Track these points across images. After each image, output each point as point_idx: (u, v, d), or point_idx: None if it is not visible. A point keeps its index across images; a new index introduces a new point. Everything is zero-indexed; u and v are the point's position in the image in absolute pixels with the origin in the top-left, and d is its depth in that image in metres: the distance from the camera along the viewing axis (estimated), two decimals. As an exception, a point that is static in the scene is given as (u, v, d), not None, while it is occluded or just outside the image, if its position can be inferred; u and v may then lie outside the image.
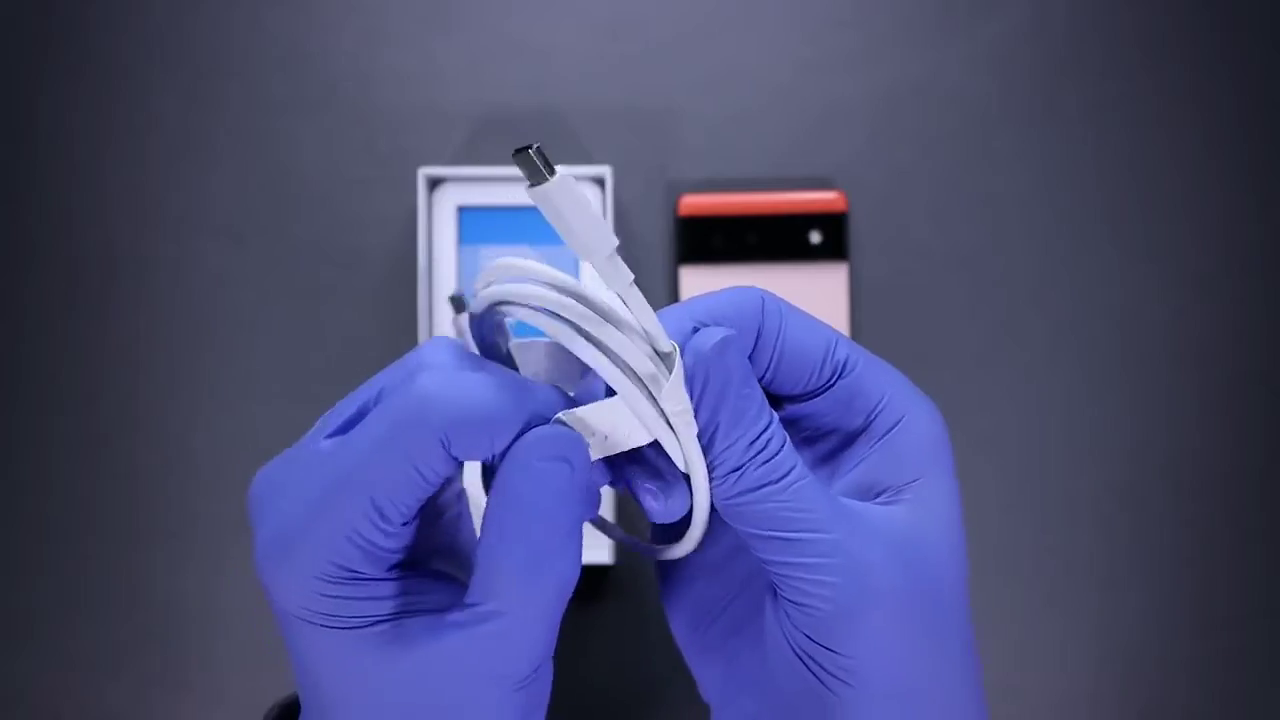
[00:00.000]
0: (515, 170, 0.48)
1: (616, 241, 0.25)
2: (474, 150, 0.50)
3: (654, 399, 0.25)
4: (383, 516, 0.24)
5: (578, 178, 0.48)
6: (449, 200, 0.48)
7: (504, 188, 0.49)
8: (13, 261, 0.50)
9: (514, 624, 0.24)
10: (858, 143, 0.50)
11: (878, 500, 0.28)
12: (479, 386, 0.24)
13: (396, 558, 0.25)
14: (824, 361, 0.28)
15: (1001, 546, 0.49)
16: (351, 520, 0.24)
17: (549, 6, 0.51)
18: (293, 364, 0.50)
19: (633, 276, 0.25)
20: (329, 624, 0.24)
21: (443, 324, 0.48)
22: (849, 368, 0.28)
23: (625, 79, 0.51)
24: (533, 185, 0.24)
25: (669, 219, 0.50)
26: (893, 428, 0.28)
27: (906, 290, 0.50)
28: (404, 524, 0.25)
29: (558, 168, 0.24)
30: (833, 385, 0.28)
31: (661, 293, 0.50)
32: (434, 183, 0.48)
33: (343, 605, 0.24)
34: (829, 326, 0.29)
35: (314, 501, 0.24)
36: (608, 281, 0.25)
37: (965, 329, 0.50)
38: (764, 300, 0.28)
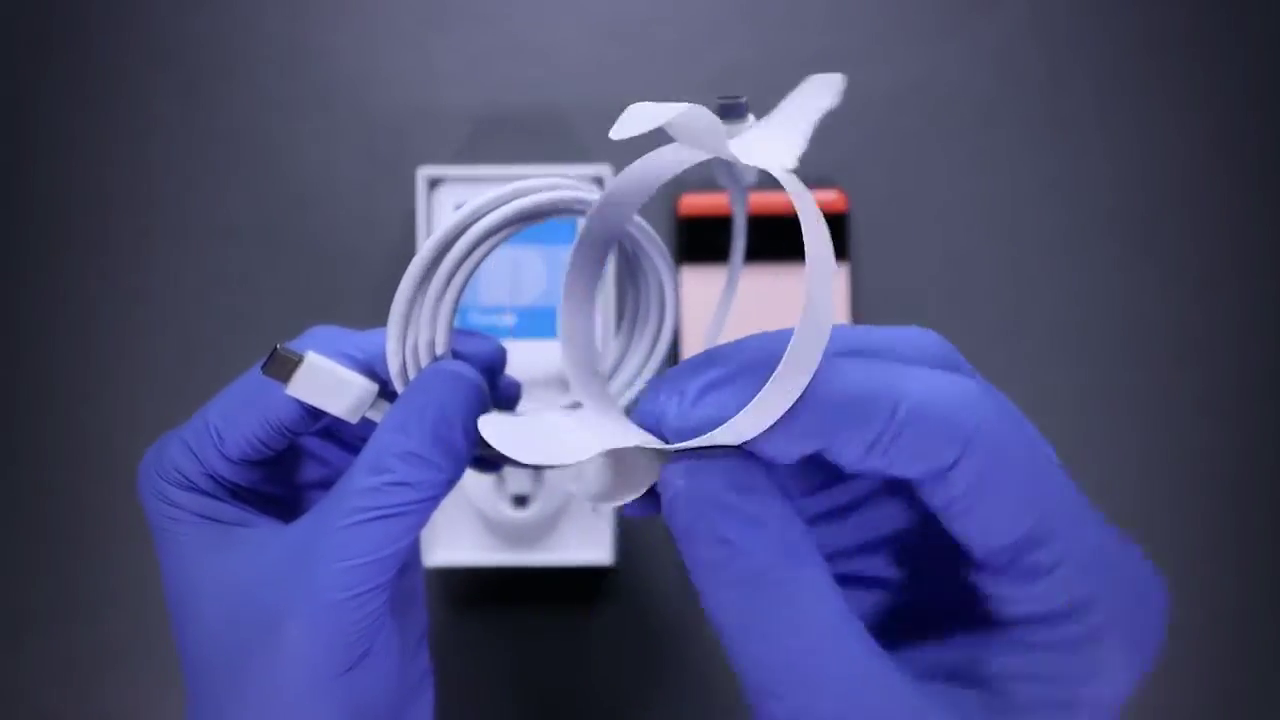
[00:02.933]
0: (515, 170, 0.48)
1: (376, 387, 0.27)
2: (474, 150, 0.50)
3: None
4: (220, 437, 0.27)
5: (577, 177, 0.48)
6: (449, 200, 0.48)
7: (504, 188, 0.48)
8: (11, 261, 0.50)
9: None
10: (858, 143, 0.50)
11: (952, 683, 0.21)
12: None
13: (228, 483, 0.28)
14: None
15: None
16: (196, 432, 0.28)
17: (549, 6, 0.51)
18: (293, 364, 0.50)
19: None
20: (169, 524, 0.28)
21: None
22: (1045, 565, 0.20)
23: (625, 79, 0.51)
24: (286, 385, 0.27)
25: (669, 219, 0.50)
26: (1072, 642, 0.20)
27: (907, 290, 0.50)
28: (241, 455, 0.28)
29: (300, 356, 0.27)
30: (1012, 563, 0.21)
31: (661, 293, 0.50)
32: (434, 183, 0.48)
33: (175, 510, 0.28)
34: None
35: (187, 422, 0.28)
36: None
37: (965, 329, 0.50)
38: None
